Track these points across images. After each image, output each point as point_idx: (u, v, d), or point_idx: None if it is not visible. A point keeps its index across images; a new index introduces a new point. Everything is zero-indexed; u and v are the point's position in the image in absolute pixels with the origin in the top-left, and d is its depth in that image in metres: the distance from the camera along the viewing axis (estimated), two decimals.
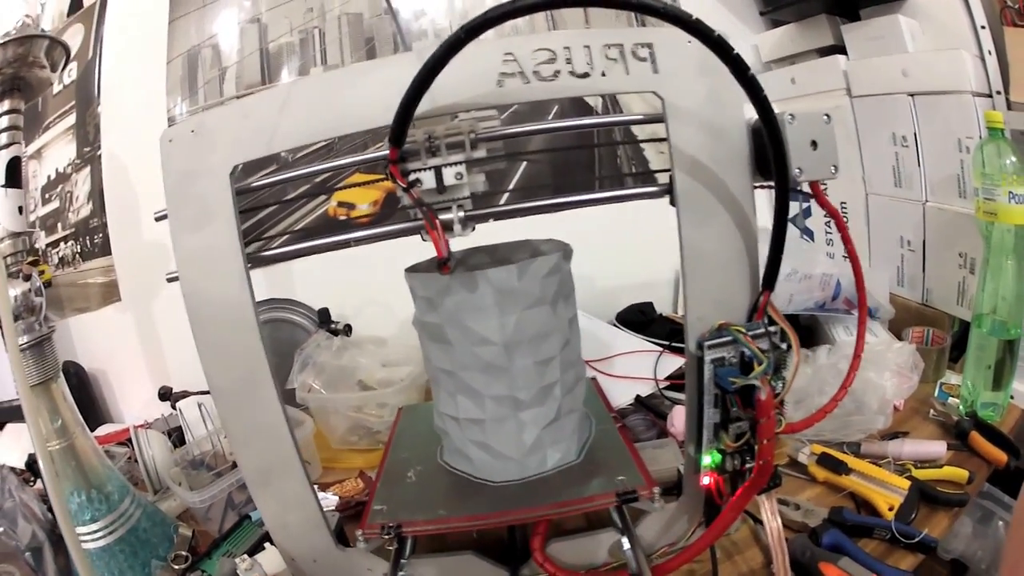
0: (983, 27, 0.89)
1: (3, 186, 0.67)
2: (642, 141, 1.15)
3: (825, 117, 0.49)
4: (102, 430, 0.96)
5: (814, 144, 0.49)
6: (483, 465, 0.60)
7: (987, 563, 0.91)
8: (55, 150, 1.09)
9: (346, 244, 0.56)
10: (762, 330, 0.51)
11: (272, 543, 0.64)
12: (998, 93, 0.89)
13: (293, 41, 1.06)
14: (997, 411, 0.84)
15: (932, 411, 0.84)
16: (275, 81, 1.06)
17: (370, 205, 1.10)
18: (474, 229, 0.51)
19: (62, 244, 1.07)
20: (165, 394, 0.92)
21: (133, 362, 1.00)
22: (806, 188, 0.51)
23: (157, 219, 0.55)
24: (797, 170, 0.49)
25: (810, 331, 0.98)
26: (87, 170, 1.05)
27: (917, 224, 0.99)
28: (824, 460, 0.73)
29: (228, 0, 1.02)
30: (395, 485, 0.62)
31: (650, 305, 1.20)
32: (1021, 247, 0.80)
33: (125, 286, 1.00)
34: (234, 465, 0.81)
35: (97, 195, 1.00)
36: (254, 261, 0.54)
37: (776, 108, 0.52)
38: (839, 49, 1.07)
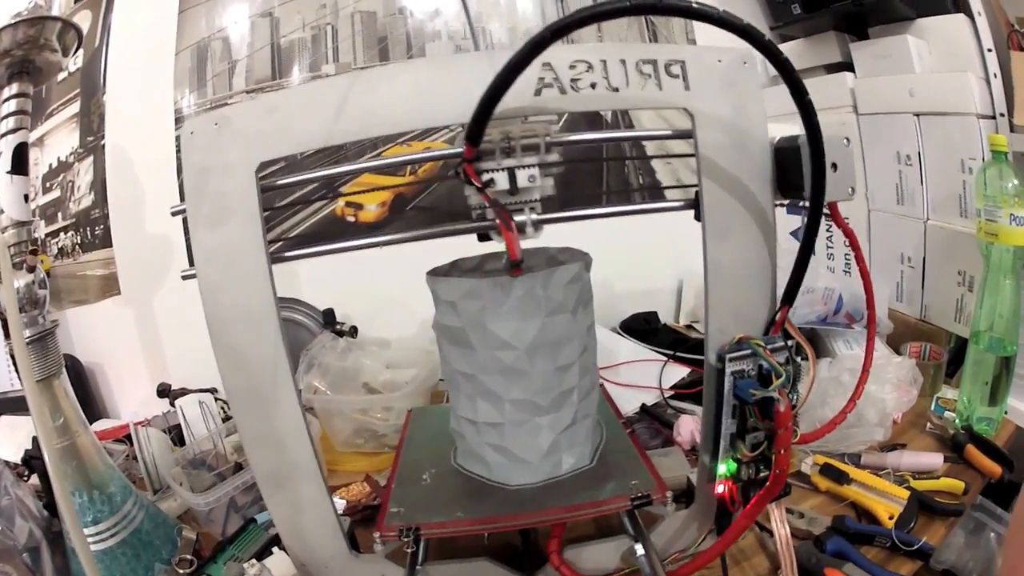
0: (990, 50, 0.93)
1: (9, 172, 0.65)
2: (653, 157, 1.17)
3: (845, 140, 0.51)
4: (99, 426, 0.95)
5: (834, 166, 0.51)
6: (499, 468, 0.61)
7: (978, 573, 0.95)
8: (58, 138, 1.08)
9: (377, 244, 0.56)
10: (780, 344, 0.53)
11: (280, 547, 0.64)
12: (1001, 115, 0.93)
13: (305, 37, 1.06)
14: (992, 425, 0.88)
15: (929, 424, 0.88)
16: (286, 77, 1.06)
17: (378, 206, 1.11)
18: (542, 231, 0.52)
19: (62, 234, 1.06)
20: (164, 391, 0.92)
21: (131, 357, 0.99)
22: (825, 209, 0.53)
23: (173, 214, 0.54)
24: None
25: (811, 344, 1.00)
26: (90, 160, 1.04)
27: (918, 241, 1.03)
28: (827, 470, 0.75)
29: None
30: (410, 487, 0.63)
31: (654, 314, 1.22)
32: (1019, 267, 0.84)
33: (125, 279, 0.99)
34: (238, 467, 0.81)
35: (99, 186, 0.99)
36: (276, 259, 0.54)
37: (789, 127, 0.54)
38: (847, 66, 1.10)
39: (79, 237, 1.05)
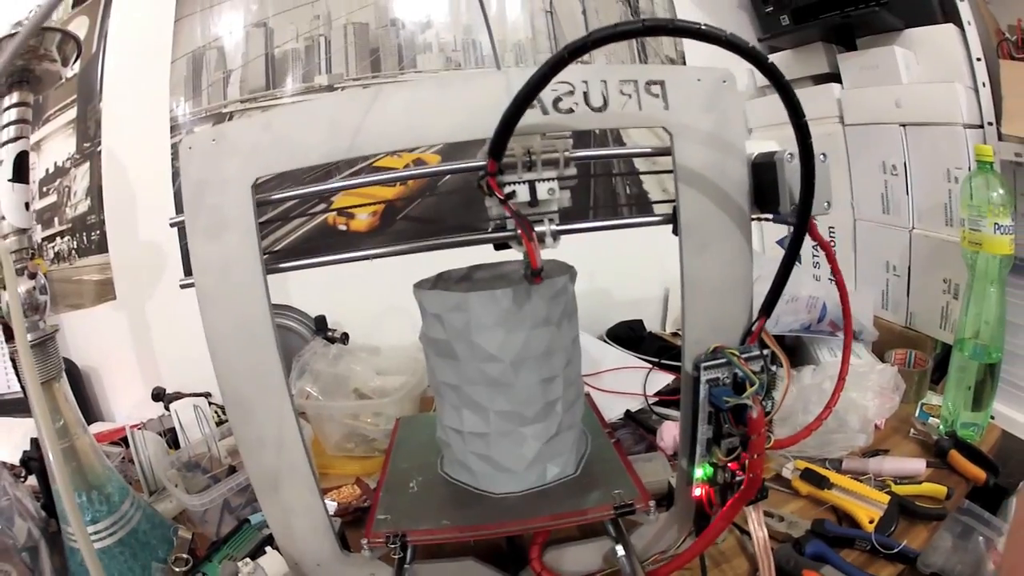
0: (979, 59, 0.96)
1: (10, 180, 0.68)
2: (644, 172, 1.21)
3: (822, 156, 0.53)
4: (95, 428, 0.98)
5: None
6: (484, 477, 0.64)
7: None
8: (55, 143, 1.11)
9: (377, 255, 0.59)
10: (756, 353, 0.56)
11: (273, 547, 0.67)
12: (990, 124, 0.95)
13: (299, 48, 1.09)
14: (977, 431, 0.91)
15: (913, 430, 0.91)
16: (280, 87, 1.09)
17: (370, 216, 1.14)
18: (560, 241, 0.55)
19: (58, 239, 1.09)
20: (158, 395, 0.95)
21: (126, 361, 1.02)
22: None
23: (172, 225, 0.57)
24: (793, 205, 0.55)
25: (795, 351, 1.04)
26: (86, 166, 1.07)
27: (903, 250, 1.06)
28: (807, 475, 0.79)
29: (235, 2, 1.05)
30: (397, 495, 0.66)
31: (640, 323, 1.26)
32: (1004, 275, 0.87)
33: (120, 285, 1.02)
34: (231, 469, 0.84)
35: (96, 192, 1.02)
36: (271, 270, 0.57)
37: (773, 144, 0.58)
38: (834, 77, 1.14)
39: (75, 242, 1.08)
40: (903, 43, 1.05)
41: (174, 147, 1.03)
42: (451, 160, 0.98)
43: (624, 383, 1.02)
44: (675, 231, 0.57)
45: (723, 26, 1.29)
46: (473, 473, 0.65)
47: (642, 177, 1.24)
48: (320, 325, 1.06)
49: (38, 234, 1.08)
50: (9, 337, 0.69)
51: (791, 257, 0.56)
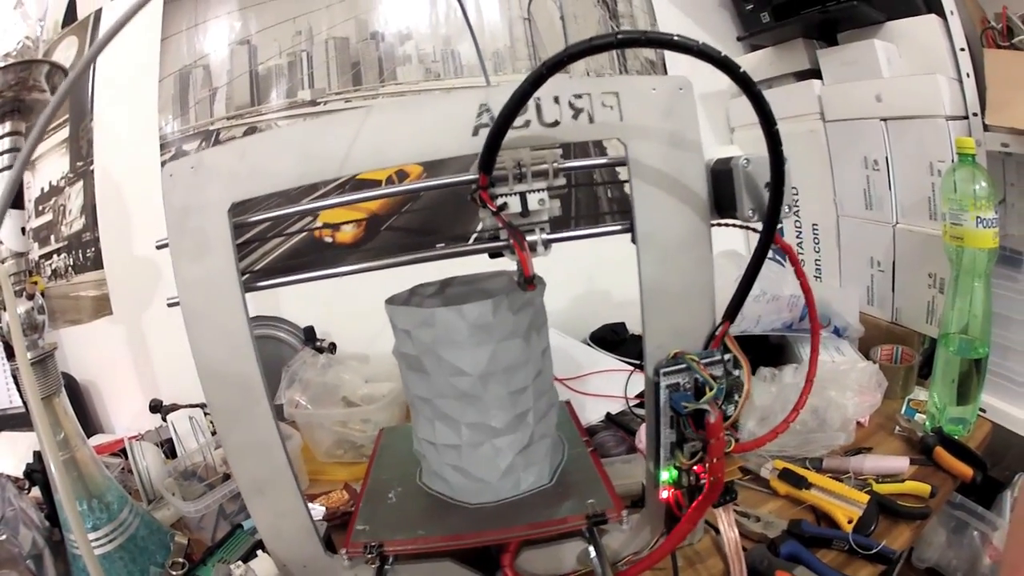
0: (962, 49, 0.95)
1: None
2: (625, 181, 1.24)
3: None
4: (95, 440, 1.03)
5: (767, 186, 0.56)
6: (460, 488, 0.67)
7: (963, 571, 0.98)
8: (48, 162, 1.15)
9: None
10: (717, 358, 0.59)
11: (264, 551, 0.71)
12: (975, 115, 0.95)
13: (282, 64, 1.13)
14: (965, 426, 0.92)
15: (897, 427, 0.92)
16: (265, 102, 1.13)
17: (354, 227, 1.18)
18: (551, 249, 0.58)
19: (55, 256, 1.13)
20: (156, 407, 1.00)
21: (124, 374, 1.07)
22: (758, 227, 0.59)
23: (158, 247, 0.62)
24: (751, 211, 0.57)
25: (778, 350, 1.05)
26: (80, 184, 1.11)
27: (887, 245, 1.07)
28: (785, 475, 0.80)
29: (219, 21, 1.09)
30: (377, 505, 0.68)
31: (622, 325, 1.28)
32: (989, 269, 0.87)
33: (117, 300, 1.06)
34: (226, 477, 0.88)
35: (90, 209, 1.06)
36: (250, 288, 0.60)
37: (734, 149, 0.60)
38: (816, 73, 1.14)
39: (72, 259, 1.12)
40: (885, 36, 1.05)
41: (164, 164, 1.07)
42: (433, 170, 1.02)
43: (606, 386, 1.04)
44: (633, 239, 0.59)
45: (704, 24, 1.32)
46: (449, 484, 0.67)
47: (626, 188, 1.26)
48: (309, 335, 1.10)
49: (35, 252, 1.13)
50: (10, 355, 0.74)
51: (757, 262, 0.58)
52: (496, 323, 0.61)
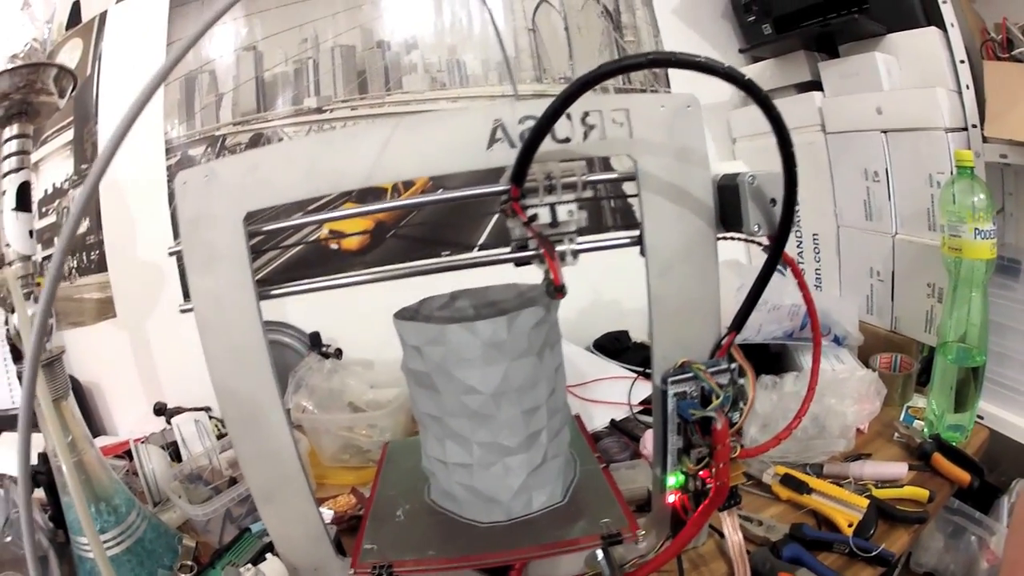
0: (962, 61, 0.98)
1: (14, 210, 0.72)
2: (630, 196, 1.26)
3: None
4: (99, 443, 1.03)
5: (773, 202, 0.59)
6: (470, 507, 0.66)
7: (962, 575, 1.01)
8: (53, 164, 1.17)
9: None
10: (723, 367, 0.61)
11: (273, 554, 0.72)
12: (974, 127, 0.97)
13: (288, 71, 1.15)
14: (963, 432, 0.94)
15: (896, 434, 0.95)
16: (271, 109, 1.15)
17: (360, 235, 1.20)
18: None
19: None
20: (160, 409, 1.01)
21: (128, 377, 1.08)
22: (765, 241, 0.61)
23: (171, 254, 0.63)
24: (756, 226, 0.59)
25: (779, 359, 1.08)
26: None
27: (886, 255, 1.10)
28: (787, 480, 0.83)
29: (225, 27, 1.11)
30: (384, 522, 0.67)
31: (625, 333, 1.31)
32: (987, 280, 0.90)
33: (120, 302, 1.08)
34: (232, 481, 0.90)
35: (94, 212, 1.08)
36: (264, 296, 0.61)
37: (740, 165, 0.62)
38: (817, 85, 1.17)
39: (76, 261, 1.13)
40: (885, 48, 1.08)
41: (169, 169, 1.09)
42: (438, 180, 1.04)
43: (610, 393, 1.07)
44: (642, 252, 0.61)
45: (706, 36, 1.36)
46: (459, 502, 0.66)
47: (631, 201, 1.29)
48: (315, 341, 1.11)
49: (39, 254, 1.14)
50: (16, 358, 0.76)
51: (766, 276, 0.61)
52: (510, 341, 0.61)
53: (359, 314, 1.02)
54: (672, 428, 0.61)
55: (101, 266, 1.07)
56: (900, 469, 0.86)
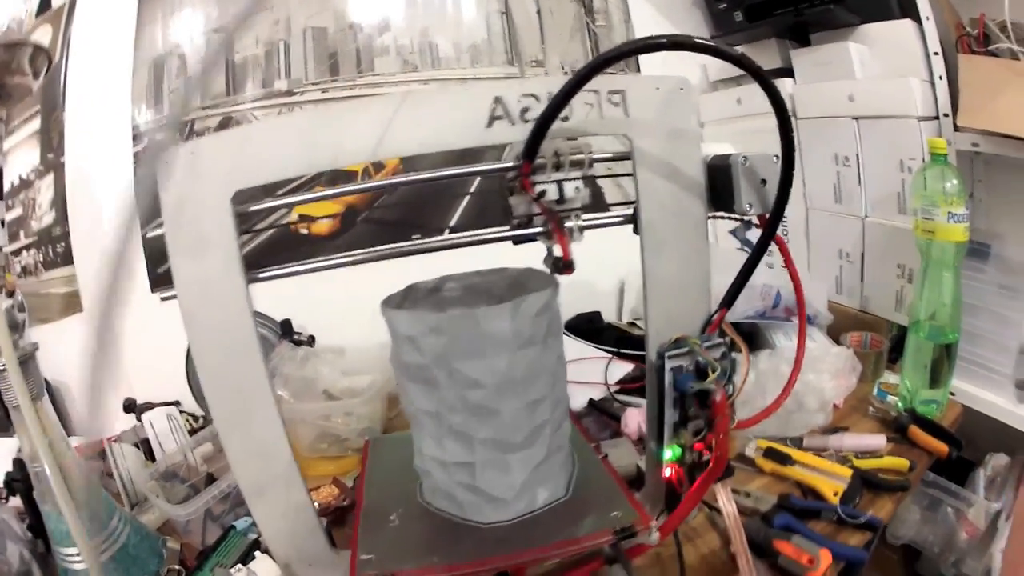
0: (936, 53, 1.03)
1: None
2: (599, 176, 1.30)
3: (774, 158, 0.61)
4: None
5: (764, 182, 0.62)
6: (471, 507, 0.63)
7: (940, 547, 1.06)
8: (19, 155, 1.12)
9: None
10: (716, 342, 0.64)
11: (262, 551, 0.72)
12: (946, 116, 1.03)
13: (258, 53, 1.13)
14: (938, 407, 1.00)
15: (872, 408, 1.00)
16: (240, 92, 1.13)
17: (330, 219, 1.20)
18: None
19: (24, 252, 1.10)
20: (129, 406, 0.98)
21: (95, 373, 1.04)
22: (755, 219, 0.64)
23: (150, 238, 0.61)
24: (748, 205, 0.62)
25: (752, 337, 1.12)
26: (50, 177, 1.08)
27: (856, 237, 1.16)
28: (770, 453, 0.87)
29: (195, 9, 1.08)
30: (378, 530, 0.64)
31: (598, 314, 1.34)
32: (959, 261, 0.96)
33: (87, 297, 1.04)
34: (210, 477, 0.88)
35: (60, 203, 1.04)
36: (253, 280, 0.59)
37: (727, 147, 0.65)
38: (788, 72, 1.22)
39: (41, 255, 1.09)
40: (858, 38, 1.12)
41: (136, 156, 1.06)
42: (410, 163, 1.04)
43: (586, 373, 1.09)
44: (635, 230, 0.63)
45: (677, 22, 1.39)
46: (459, 503, 0.63)
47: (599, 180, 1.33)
48: (286, 329, 1.10)
49: (8, 247, 1.09)
50: None
51: (759, 253, 0.64)
52: (516, 328, 0.58)
53: (329, 300, 1.01)
54: (669, 402, 0.63)
55: (68, 259, 1.03)
56: (879, 441, 0.91)
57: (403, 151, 0.59)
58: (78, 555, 0.67)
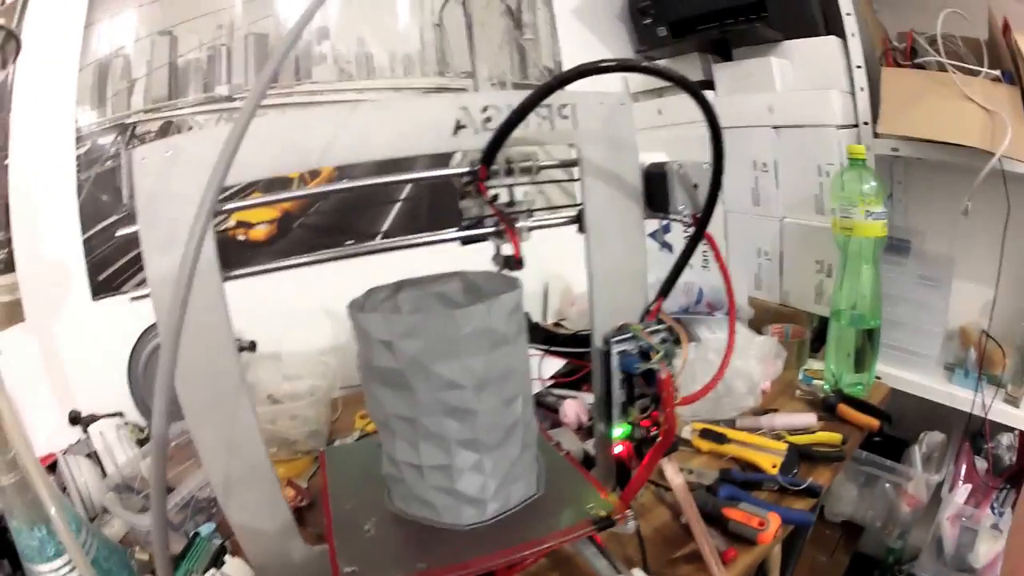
0: (859, 67, 1.15)
1: None
2: (547, 181, 1.39)
3: (705, 165, 0.71)
4: None
5: (696, 186, 0.73)
6: (448, 510, 0.64)
7: (881, 520, 1.18)
8: None
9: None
10: (656, 327, 0.73)
11: (230, 555, 0.74)
12: (865, 124, 1.16)
13: (201, 57, 1.15)
14: (864, 388, 1.12)
15: (798, 391, 1.12)
16: (182, 96, 1.14)
17: (267, 224, 1.25)
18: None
19: None
20: (75, 418, 0.98)
21: (39, 385, 1.03)
22: (685, 220, 0.74)
23: (121, 236, 0.63)
24: (681, 206, 0.73)
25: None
26: None
27: (774, 237, 1.29)
28: (706, 434, 0.97)
29: (142, 10, 1.09)
30: (354, 540, 0.64)
31: (526, 314, 1.42)
32: (878, 254, 1.09)
33: (29, 305, 1.02)
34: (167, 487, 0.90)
35: (3, 208, 1.01)
36: (228, 278, 0.62)
37: (661, 155, 0.76)
38: (709, 84, 1.34)
39: None
40: (780, 53, 1.24)
41: (79, 159, 1.06)
42: (344, 170, 1.09)
43: None
44: (580, 229, 0.73)
45: (602, 37, 1.53)
46: (434, 508, 0.65)
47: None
48: None
49: None
50: None
51: (690, 250, 0.75)
52: (490, 328, 0.61)
53: (262, 307, 1.03)
54: (616, 383, 0.72)
55: (9, 266, 1.01)
56: (810, 419, 1.01)
57: (376, 154, 0.65)
58: (51, 572, 0.67)
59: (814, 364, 1.21)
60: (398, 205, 1.36)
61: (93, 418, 1.00)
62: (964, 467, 1.16)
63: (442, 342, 0.59)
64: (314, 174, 1.17)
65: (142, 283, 0.59)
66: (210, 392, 0.63)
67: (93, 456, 0.95)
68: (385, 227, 1.36)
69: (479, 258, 0.72)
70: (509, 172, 0.67)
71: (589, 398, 1.04)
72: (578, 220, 0.73)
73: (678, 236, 1.37)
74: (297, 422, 1.02)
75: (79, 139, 1.06)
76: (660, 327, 0.73)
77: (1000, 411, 1.09)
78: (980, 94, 1.01)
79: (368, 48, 1.32)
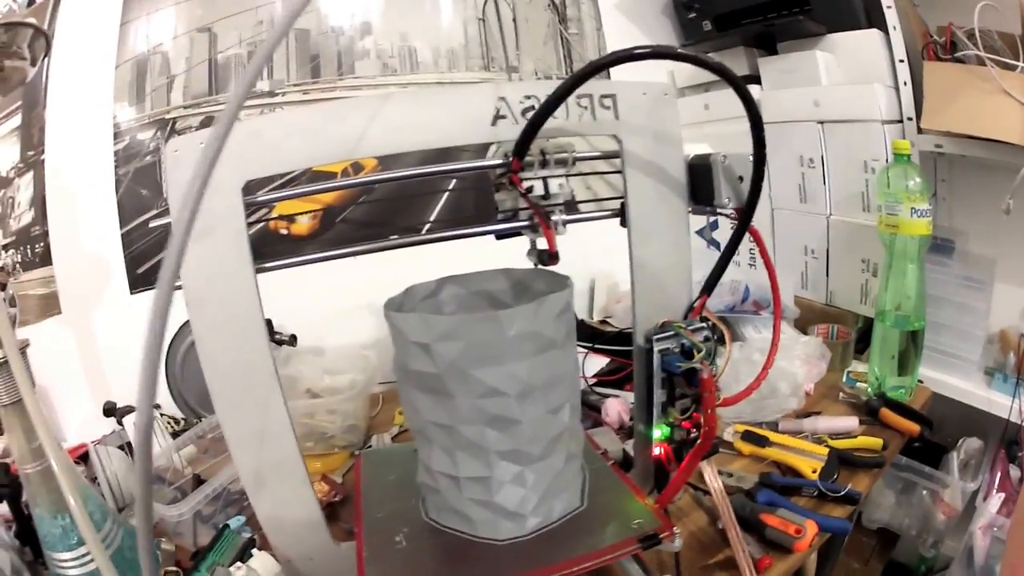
0: (901, 60, 1.12)
1: None
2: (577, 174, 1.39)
3: (750, 157, 0.69)
4: None
5: (740, 179, 0.70)
6: (485, 524, 0.61)
7: (916, 528, 1.15)
8: None
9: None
10: (699, 325, 0.71)
11: (258, 549, 0.74)
12: (909, 119, 1.12)
13: (242, 53, 1.17)
14: (907, 392, 1.09)
15: (842, 394, 1.09)
16: (223, 92, 1.16)
17: (310, 219, 1.25)
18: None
19: (2, 253, 1.10)
20: (110, 410, 0.99)
21: (74, 377, 1.05)
22: (730, 213, 0.72)
23: (154, 228, 0.64)
24: (727, 199, 0.70)
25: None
26: (30, 175, 1.09)
27: (821, 235, 1.26)
28: (748, 436, 0.95)
29: (179, 7, 1.11)
30: (385, 554, 0.61)
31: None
32: (923, 253, 1.06)
33: (65, 298, 1.05)
34: (197, 479, 0.91)
35: (39, 202, 1.04)
36: (261, 270, 0.63)
37: (705, 147, 0.73)
38: (755, 79, 1.32)
39: (20, 256, 1.10)
40: (825, 47, 1.22)
41: (117, 154, 1.08)
42: (387, 163, 1.09)
43: None
44: (623, 223, 0.71)
45: (646, 30, 1.51)
46: (471, 521, 0.61)
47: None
48: (268, 329, 1.12)
49: None
50: None
51: (734, 244, 0.72)
52: (536, 331, 0.57)
53: (307, 301, 1.04)
54: (657, 382, 0.70)
55: (46, 259, 1.04)
56: (852, 423, 0.99)
57: (413, 145, 0.64)
58: (72, 560, 0.67)
59: (858, 366, 1.19)
60: (446, 195, 1.36)
61: (129, 410, 1.01)
62: (999, 475, 1.11)
63: (484, 345, 0.56)
64: (358, 169, 1.18)
65: None
66: (241, 384, 0.63)
67: (126, 447, 0.97)
68: (433, 216, 1.36)
69: (523, 249, 0.71)
70: (544, 164, 0.66)
71: (632, 397, 1.01)
72: (620, 214, 0.71)
73: (725, 233, 1.34)
74: (335, 416, 1.03)
75: (117, 135, 1.08)
76: (703, 325, 0.71)
77: None
78: (1019, 89, 0.97)
79: (411, 43, 1.33)
